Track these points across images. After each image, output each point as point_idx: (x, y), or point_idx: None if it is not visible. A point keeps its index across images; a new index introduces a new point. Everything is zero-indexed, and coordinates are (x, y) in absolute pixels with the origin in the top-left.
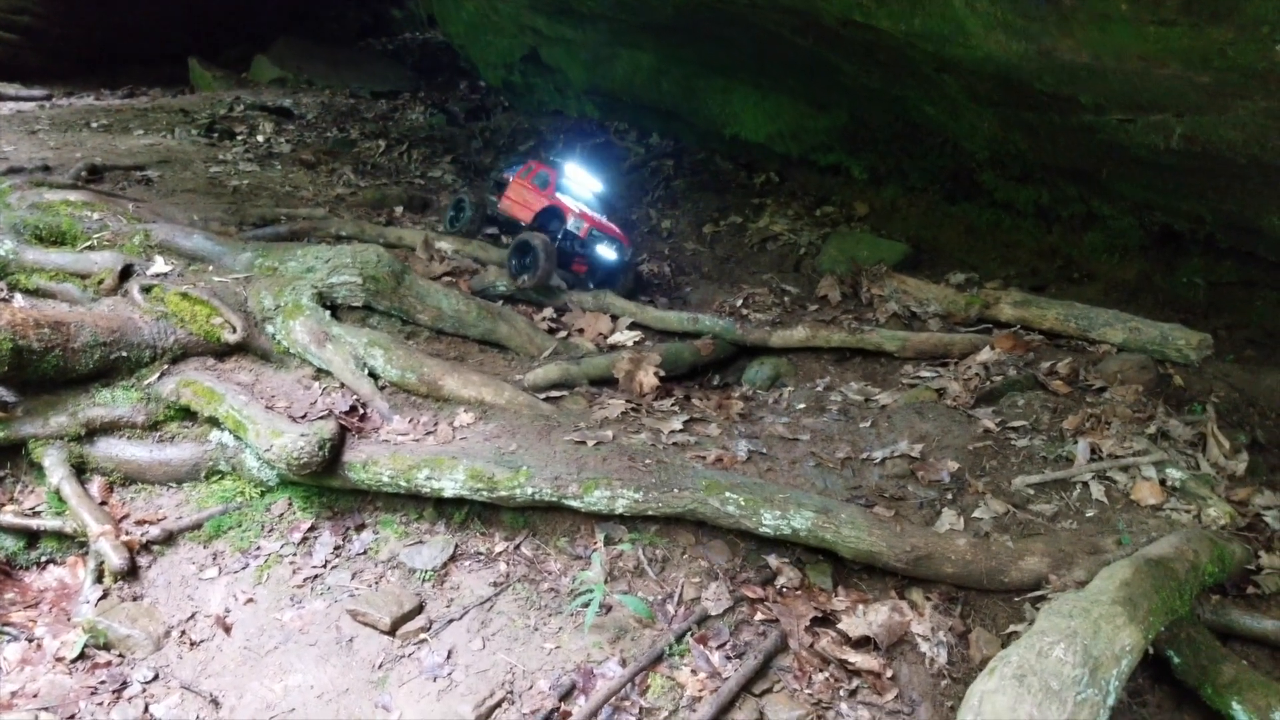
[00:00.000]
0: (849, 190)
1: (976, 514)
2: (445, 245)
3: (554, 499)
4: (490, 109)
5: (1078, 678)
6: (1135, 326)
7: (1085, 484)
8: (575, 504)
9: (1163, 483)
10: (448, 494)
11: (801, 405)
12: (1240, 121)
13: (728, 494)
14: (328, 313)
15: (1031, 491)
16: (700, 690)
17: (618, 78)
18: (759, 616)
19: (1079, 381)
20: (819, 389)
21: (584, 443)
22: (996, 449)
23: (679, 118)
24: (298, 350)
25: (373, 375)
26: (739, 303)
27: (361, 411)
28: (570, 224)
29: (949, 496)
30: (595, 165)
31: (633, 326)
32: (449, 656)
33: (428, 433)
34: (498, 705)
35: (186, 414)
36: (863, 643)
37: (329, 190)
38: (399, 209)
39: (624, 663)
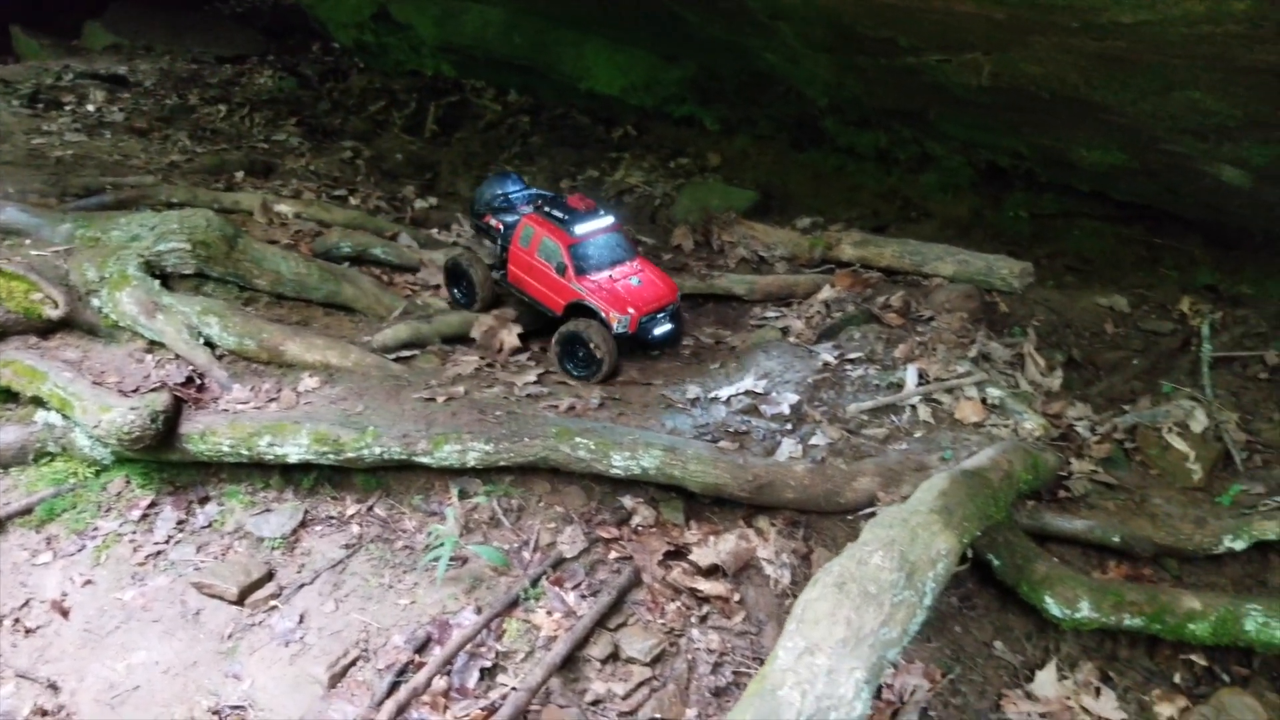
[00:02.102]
0: (703, 141)
1: (814, 441)
2: (286, 208)
3: (404, 457)
4: (346, 70)
5: (894, 581)
6: (964, 259)
7: (913, 407)
8: (426, 460)
9: (984, 401)
10: (292, 459)
11: (656, 351)
12: (1038, 57)
13: (578, 439)
14: (157, 282)
15: (865, 417)
16: (556, 630)
17: (469, 33)
18: (613, 555)
19: (911, 313)
20: None
21: (434, 399)
22: (834, 380)
23: (535, 73)
24: (127, 323)
25: (209, 344)
26: None
27: (199, 382)
28: (616, 326)
29: (789, 427)
30: (593, 201)
31: None
32: (301, 621)
33: (270, 399)
34: (352, 664)
35: (9, 395)
36: (712, 571)
37: (162, 158)
38: (240, 174)
39: (479, 611)
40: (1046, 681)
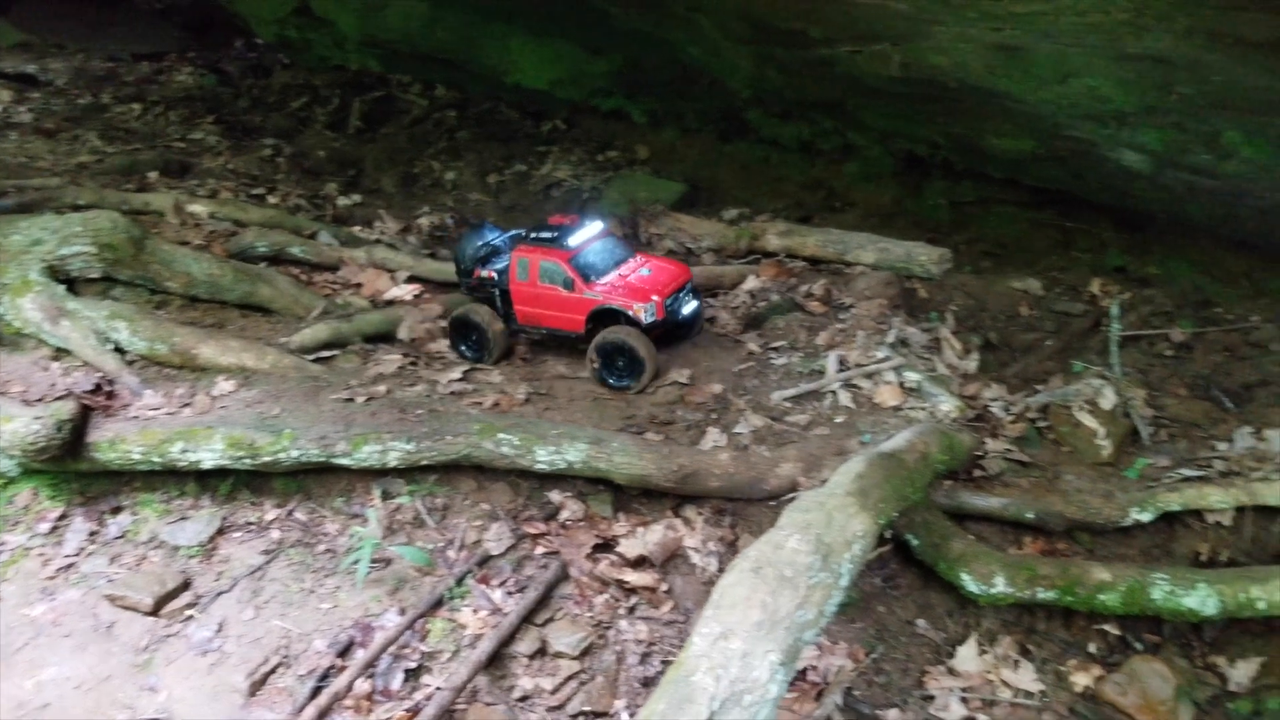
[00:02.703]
0: (631, 134)
1: (738, 430)
2: (199, 208)
3: (322, 459)
4: (269, 67)
5: (810, 564)
6: (884, 247)
7: (834, 393)
8: (346, 462)
9: (902, 385)
10: (207, 465)
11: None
12: (943, 47)
13: (501, 435)
14: (62, 287)
15: (788, 404)
16: (482, 628)
17: (392, 27)
18: (540, 550)
19: (833, 301)
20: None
21: (353, 399)
22: (758, 369)
23: (461, 67)
24: (31, 330)
25: (118, 350)
26: None
27: (109, 389)
28: (645, 317)
29: (713, 416)
30: (582, 215)
31: (411, 280)
32: (219, 629)
33: (184, 404)
34: (272, 670)
35: None
36: (640, 562)
37: (70, 159)
38: (153, 174)
39: (403, 612)
40: (968, 656)
